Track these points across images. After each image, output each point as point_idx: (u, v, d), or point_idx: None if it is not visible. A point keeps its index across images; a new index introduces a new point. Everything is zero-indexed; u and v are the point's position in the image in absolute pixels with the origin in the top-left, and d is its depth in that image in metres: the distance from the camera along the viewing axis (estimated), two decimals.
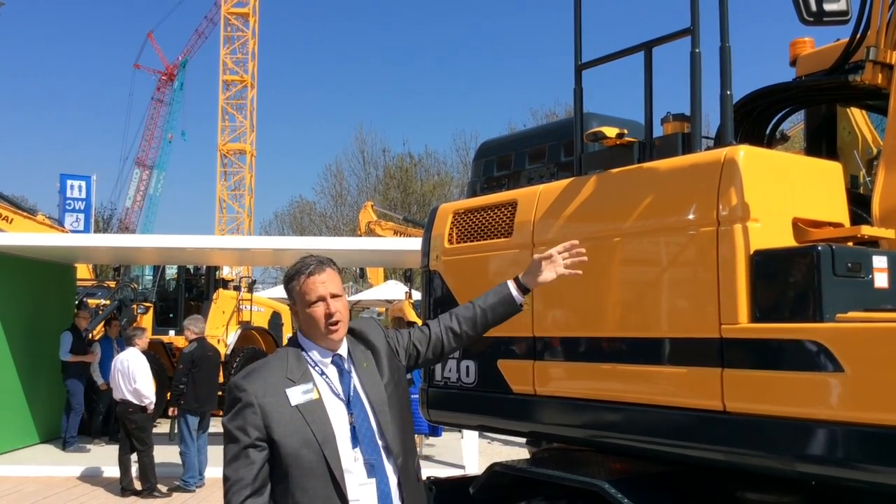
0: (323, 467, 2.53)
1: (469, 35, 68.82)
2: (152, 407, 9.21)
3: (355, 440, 2.60)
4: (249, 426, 2.54)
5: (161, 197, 44.97)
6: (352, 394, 2.67)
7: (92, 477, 9.99)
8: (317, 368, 2.68)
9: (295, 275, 2.69)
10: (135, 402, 8.98)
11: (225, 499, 2.56)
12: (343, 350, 2.74)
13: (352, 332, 2.83)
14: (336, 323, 2.65)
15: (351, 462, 2.57)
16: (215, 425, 13.68)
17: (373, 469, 2.59)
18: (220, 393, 15.79)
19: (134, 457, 9.14)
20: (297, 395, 2.59)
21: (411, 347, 2.91)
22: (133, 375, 8.96)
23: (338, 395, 2.65)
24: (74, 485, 9.61)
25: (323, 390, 2.64)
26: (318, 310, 2.64)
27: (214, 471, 9.65)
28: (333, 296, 2.65)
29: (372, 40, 69.32)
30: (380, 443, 2.63)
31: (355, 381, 2.70)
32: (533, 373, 3.94)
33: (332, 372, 2.69)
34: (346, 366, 2.72)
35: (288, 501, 2.55)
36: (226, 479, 2.57)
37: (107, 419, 12.34)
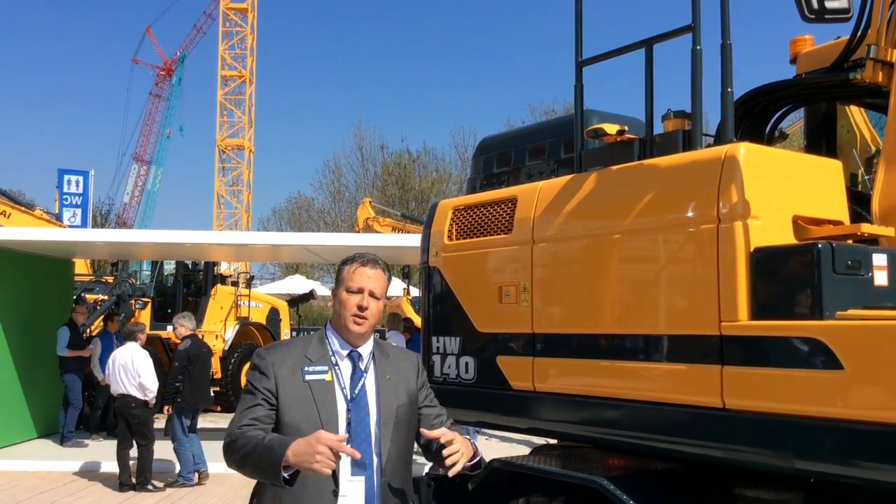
0: None
1: (468, 31, 68.77)
2: (154, 401, 9.22)
3: (349, 437, 2.61)
4: (261, 389, 2.65)
5: (159, 192, 44.87)
6: (357, 393, 2.69)
7: (90, 472, 9.99)
8: (332, 359, 2.73)
9: (351, 260, 2.78)
10: (138, 396, 8.99)
11: (225, 440, 2.63)
12: (364, 350, 2.78)
13: (390, 350, 2.89)
14: (363, 318, 2.71)
15: (342, 457, 2.58)
16: (213, 420, 13.71)
17: (360, 468, 2.61)
18: (215, 388, 15.85)
19: (133, 451, 9.14)
20: (311, 373, 2.67)
21: (425, 418, 2.86)
22: (137, 370, 8.97)
23: (342, 389, 2.67)
24: (72, 480, 9.61)
25: (333, 379, 2.69)
26: (354, 298, 2.71)
27: (213, 466, 9.67)
28: (372, 294, 2.72)
29: (370, 36, 69.22)
30: (373, 448, 2.66)
31: (369, 384, 2.73)
32: (532, 369, 3.95)
33: (345, 366, 2.73)
34: (361, 365, 2.75)
35: None
36: (229, 428, 2.64)
37: (104, 414, 12.35)
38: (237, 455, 2.55)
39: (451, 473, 2.58)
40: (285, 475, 2.40)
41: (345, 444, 2.44)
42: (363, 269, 2.73)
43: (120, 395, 9.07)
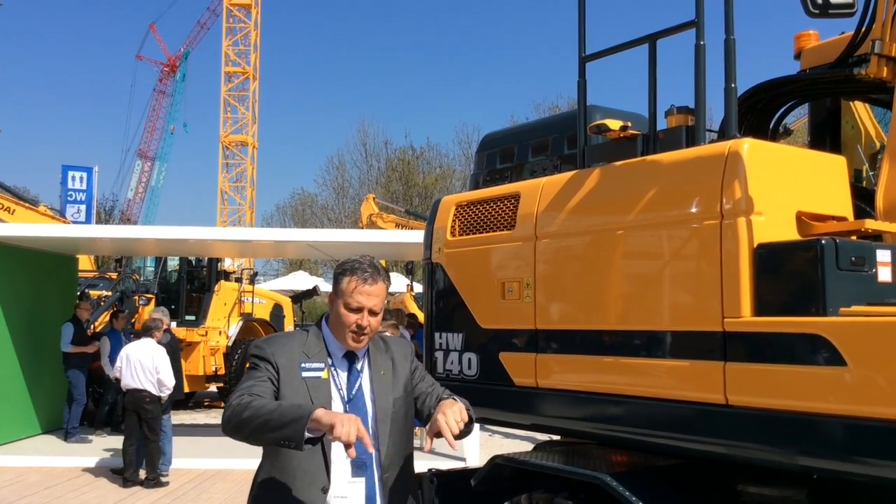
0: (317, 446, 2.55)
1: (471, 27, 68.73)
2: (167, 396, 9.29)
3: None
4: (264, 371, 2.63)
5: (163, 188, 45.01)
6: (354, 393, 2.69)
7: (94, 468, 10.00)
8: (329, 358, 2.72)
9: (350, 272, 2.70)
10: (153, 391, 9.02)
11: (234, 400, 2.54)
12: (360, 351, 2.77)
13: (383, 341, 2.87)
14: (363, 336, 2.69)
15: (341, 457, 2.58)
16: (217, 417, 13.68)
17: (361, 469, 2.61)
18: (219, 384, 15.81)
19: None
20: (308, 370, 2.66)
21: (420, 398, 2.86)
22: (157, 366, 9.03)
23: (339, 390, 2.67)
24: (76, 475, 9.63)
25: (329, 378, 2.69)
26: (353, 317, 2.68)
27: (203, 462, 9.71)
28: (372, 312, 2.69)
29: (374, 32, 69.24)
30: (375, 448, 2.65)
31: (364, 383, 2.73)
32: (535, 366, 3.94)
33: (341, 366, 2.73)
34: (358, 365, 2.74)
35: (279, 464, 2.60)
36: (236, 393, 2.58)
37: (112, 410, 12.37)
38: (249, 412, 2.43)
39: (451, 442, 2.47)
40: (308, 435, 2.33)
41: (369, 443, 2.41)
42: (363, 287, 2.67)
43: (133, 389, 9.01)
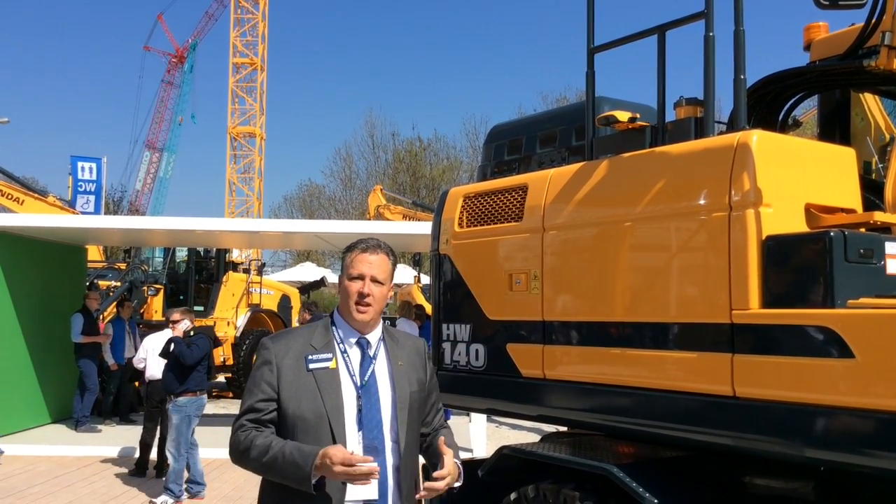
0: (328, 435, 2.58)
1: (480, 19, 68.52)
2: None
3: (360, 423, 2.63)
4: (264, 382, 2.65)
5: (171, 179, 45.04)
6: (367, 379, 2.69)
7: (103, 457, 10.07)
8: (341, 346, 2.73)
9: (353, 247, 2.76)
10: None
11: (231, 441, 2.66)
12: (373, 337, 2.77)
13: (398, 335, 2.89)
14: (366, 304, 2.69)
15: (355, 443, 2.60)
16: (224, 406, 13.74)
17: (374, 453, 2.61)
18: (227, 374, 15.82)
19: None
20: (315, 361, 2.67)
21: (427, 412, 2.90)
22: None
23: (352, 376, 2.68)
24: (86, 464, 9.69)
25: (339, 366, 2.69)
26: (355, 285, 2.70)
27: (212, 451, 9.74)
28: (374, 280, 2.71)
29: (382, 24, 69.10)
30: (386, 435, 2.67)
31: (379, 369, 2.73)
32: (542, 357, 3.95)
33: (354, 353, 2.73)
34: (371, 351, 2.74)
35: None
36: (234, 427, 2.68)
37: (116, 400, 12.43)
38: (254, 464, 2.59)
39: (424, 493, 2.65)
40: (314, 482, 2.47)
41: (352, 454, 2.49)
42: (364, 255, 2.71)
43: (158, 380, 9.02)
